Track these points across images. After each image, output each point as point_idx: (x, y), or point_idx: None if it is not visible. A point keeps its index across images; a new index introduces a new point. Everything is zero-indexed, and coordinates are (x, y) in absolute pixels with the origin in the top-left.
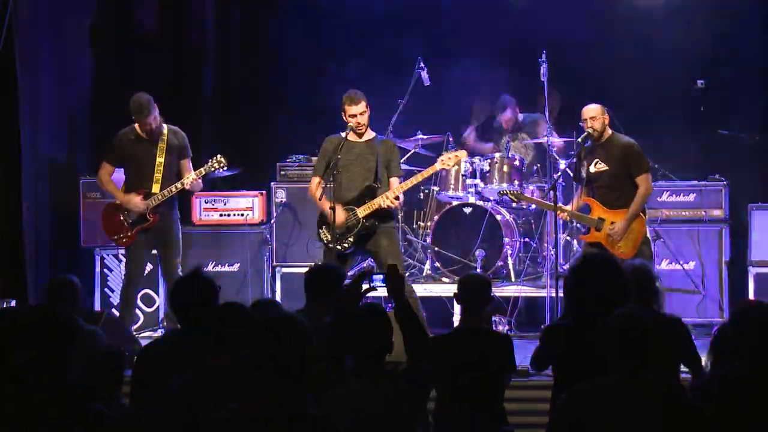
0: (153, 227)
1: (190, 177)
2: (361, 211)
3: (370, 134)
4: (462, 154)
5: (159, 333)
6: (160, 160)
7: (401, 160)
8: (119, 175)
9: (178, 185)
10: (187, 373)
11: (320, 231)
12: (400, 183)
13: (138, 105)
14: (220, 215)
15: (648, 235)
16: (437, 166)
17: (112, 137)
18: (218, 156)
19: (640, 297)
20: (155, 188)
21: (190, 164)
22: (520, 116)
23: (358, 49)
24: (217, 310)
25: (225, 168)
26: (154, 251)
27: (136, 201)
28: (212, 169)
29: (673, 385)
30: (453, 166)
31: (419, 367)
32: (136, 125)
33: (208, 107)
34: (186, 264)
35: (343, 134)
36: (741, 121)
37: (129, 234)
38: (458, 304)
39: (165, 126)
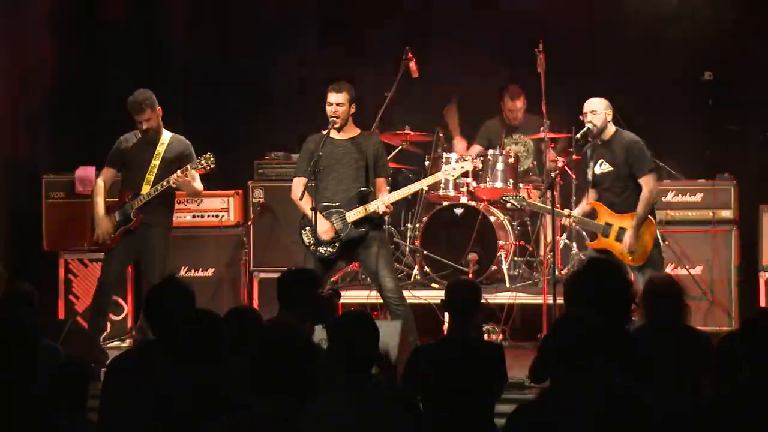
0: (137, 233)
1: (174, 175)
2: (351, 216)
3: (353, 131)
4: (468, 165)
5: (127, 343)
6: (155, 162)
7: (388, 158)
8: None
9: (164, 183)
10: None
11: (303, 232)
12: (388, 185)
13: (132, 101)
14: (193, 216)
15: (659, 239)
16: (439, 176)
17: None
18: (207, 154)
19: (670, 311)
20: (145, 189)
21: (196, 173)
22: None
23: (344, 38)
24: (195, 319)
25: (214, 168)
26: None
27: (103, 227)
28: (201, 167)
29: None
30: (456, 177)
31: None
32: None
33: (178, 99)
34: None
35: (325, 132)
36: (752, 116)
37: (113, 236)
38: (446, 311)
39: (169, 134)
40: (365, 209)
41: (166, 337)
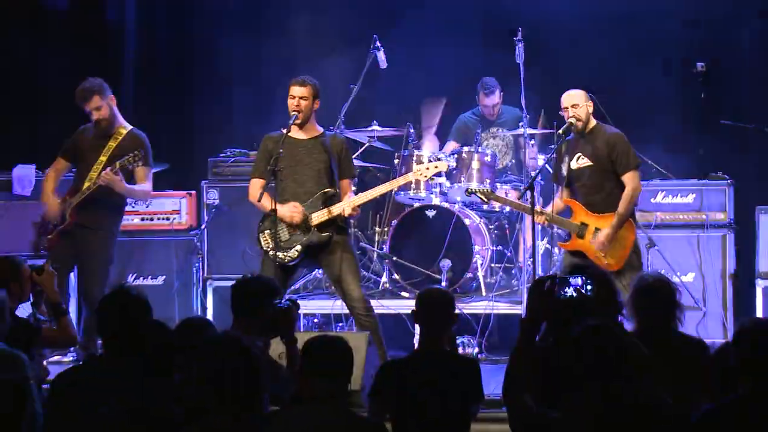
0: (75, 236)
1: (104, 173)
2: (314, 219)
3: (316, 130)
4: (442, 165)
5: (70, 358)
6: (102, 158)
7: (354, 156)
8: None
9: (90, 184)
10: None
11: (260, 236)
12: (354, 185)
13: (78, 90)
14: (142, 219)
15: (638, 242)
16: (410, 176)
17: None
18: (139, 149)
19: (660, 314)
20: (86, 187)
21: (149, 174)
22: (500, 108)
23: (305, 27)
24: (149, 332)
25: (135, 167)
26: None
27: (50, 204)
28: (130, 163)
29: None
30: (429, 178)
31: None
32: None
33: (128, 93)
34: None
35: (284, 130)
36: (748, 110)
37: (50, 236)
38: (417, 322)
39: (128, 127)
40: (329, 212)
41: (116, 353)
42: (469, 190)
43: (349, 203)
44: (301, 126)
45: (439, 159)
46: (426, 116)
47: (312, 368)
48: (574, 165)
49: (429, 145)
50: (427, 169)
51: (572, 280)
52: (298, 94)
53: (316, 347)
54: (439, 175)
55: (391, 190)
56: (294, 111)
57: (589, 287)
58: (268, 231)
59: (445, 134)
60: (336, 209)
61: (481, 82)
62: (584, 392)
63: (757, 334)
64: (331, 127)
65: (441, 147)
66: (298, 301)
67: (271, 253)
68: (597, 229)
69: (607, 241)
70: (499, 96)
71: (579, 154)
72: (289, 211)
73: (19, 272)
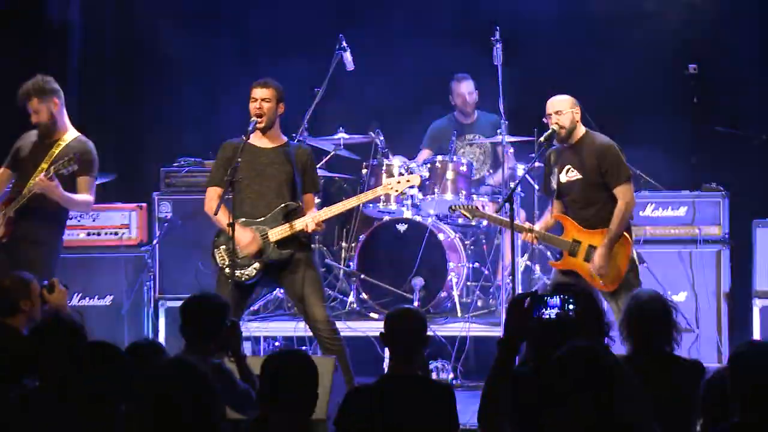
0: (11, 251)
1: (38, 178)
2: (275, 234)
3: (279, 139)
4: (414, 179)
5: None
6: (43, 165)
7: (318, 165)
8: None
9: (25, 191)
10: None
11: (215, 252)
12: (319, 199)
13: (20, 90)
14: (88, 234)
15: (635, 258)
16: (379, 191)
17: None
18: (74, 154)
19: (655, 335)
20: (21, 195)
21: (91, 184)
22: (476, 113)
23: (264, 26)
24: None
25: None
26: None
27: None
28: (64, 167)
29: None
30: (400, 192)
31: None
32: None
33: (72, 96)
34: None
35: (244, 137)
36: (744, 116)
37: None
38: (386, 346)
39: (74, 134)
40: (291, 227)
41: (51, 383)
42: (453, 207)
43: (312, 218)
44: (264, 132)
45: (411, 171)
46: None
47: (272, 393)
48: (563, 178)
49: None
50: (399, 182)
51: (551, 300)
52: (260, 96)
53: (274, 367)
54: (412, 188)
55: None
56: (256, 115)
57: (571, 306)
58: (224, 246)
59: (418, 141)
60: (298, 224)
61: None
62: (572, 404)
63: (755, 359)
64: (294, 135)
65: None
66: (257, 323)
67: (227, 270)
68: (590, 246)
69: (603, 261)
70: (474, 86)
71: (568, 166)
72: (246, 240)
73: (29, 289)
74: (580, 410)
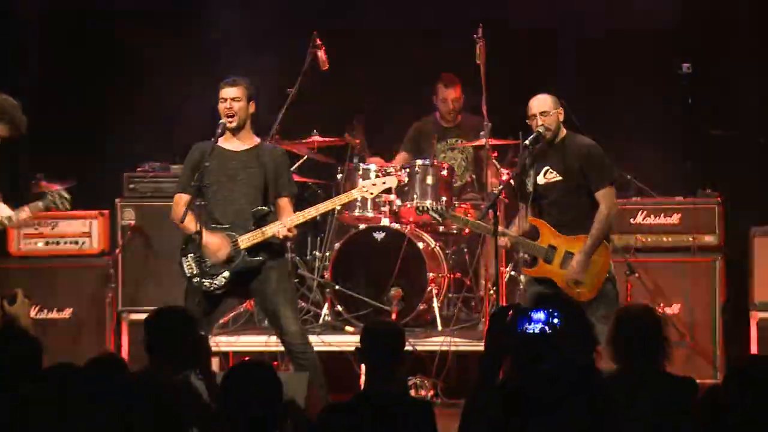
0: None
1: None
2: (245, 241)
3: (251, 139)
4: (392, 181)
5: None
6: None
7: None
8: None
9: None
10: None
11: (183, 261)
12: (293, 204)
13: None
14: (46, 243)
15: (612, 269)
16: (355, 194)
17: None
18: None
19: (645, 351)
20: None
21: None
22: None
23: (233, 22)
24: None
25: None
26: None
27: None
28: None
29: None
30: (376, 195)
31: None
32: None
33: (29, 96)
34: None
35: (214, 139)
36: (741, 117)
37: None
38: (362, 361)
39: None
40: (263, 233)
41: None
42: (421, 207)
43: (284, 223)
44: (234, 133)
45: (388, 173)
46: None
47: (232, 410)
48: (541, 180)
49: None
50: (374, 185)
51: (535, 315)
52: (230, 95)
53: (236, 380)
54: (388, 192)
55: (333, 209)
56: (227, 115)
57: (556, 320)
58: (191, 255)
59: (396, 143)
60: (269, 230)
61: (440, 77)
62: (566, 408)
63: (752, 375)
64: (265, 138)
65: (391, 155)
66: (226, 338)
67: (195, 280)
68: (567, 253)
69: (580, 269)
70: (460, 92)
71: (547, 167)
72: (215, 245)
73: None
74: (573, 414)
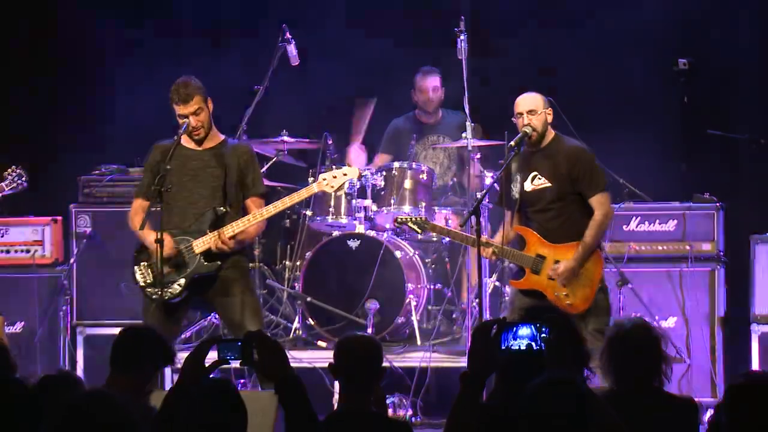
0: None
1: None
2: (199, 245)
3: (216, 138)
4: (352, 171)
5: None
6: None
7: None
8: None
9: None
10: None
11: (136, 269)
12: (262, 204)
13: None
14: None
15: (604, 279)
16: (314, 188)
17: None
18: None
19: (641, 369)
20: None
21: None
22: (440, 112)
23: (196, 13)
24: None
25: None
26: None
27: None
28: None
29: None
30: (337, 189)
31: None
32: None
33: None
34: None
35: (176, 138)
36: (740, 117)
37: None
38: (336, 378)
39: None
40: (220, 235)
41: None
42: (399, 219)
43: (219, 232)
44: (200, 141)
45: (349, 165)
46: (353, 122)
47: None
48: (528, 186)
49: (354, 157)
50: (335, 177)
51: (521, 330)
52: (189, 111)
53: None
54: (351, 189)
55: (300, 210)
56: (195, 133)
57: (544, 336)
58: (145, 263)
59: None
60: (199, 244)
61: (418, 70)
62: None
63: (754, 392)
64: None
65: (370, 160)
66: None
67: (148, 290)
68: (557, 263)
69: (569, 274)
70: (439, 83)
71: (535, 173)
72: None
73: None
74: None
